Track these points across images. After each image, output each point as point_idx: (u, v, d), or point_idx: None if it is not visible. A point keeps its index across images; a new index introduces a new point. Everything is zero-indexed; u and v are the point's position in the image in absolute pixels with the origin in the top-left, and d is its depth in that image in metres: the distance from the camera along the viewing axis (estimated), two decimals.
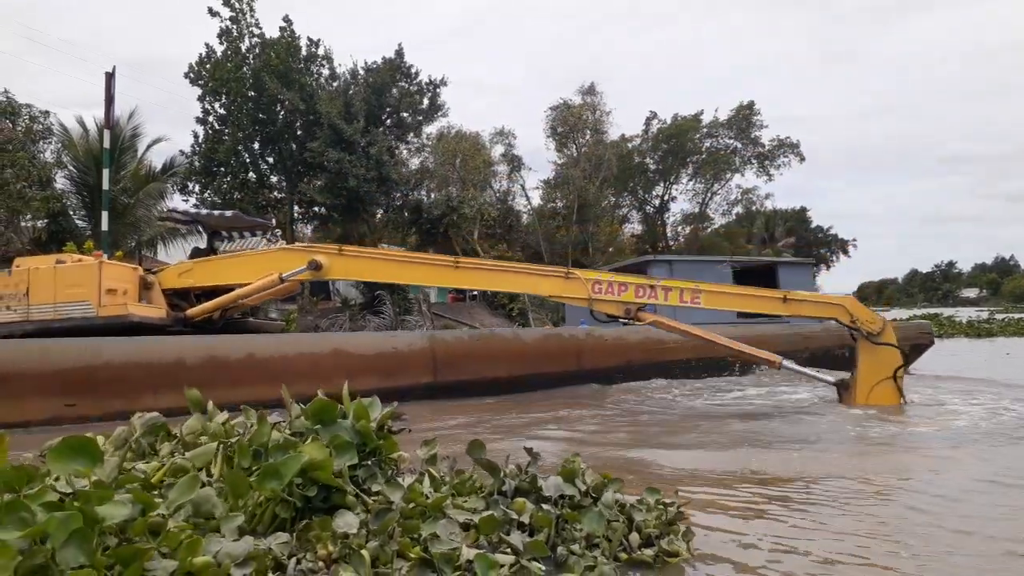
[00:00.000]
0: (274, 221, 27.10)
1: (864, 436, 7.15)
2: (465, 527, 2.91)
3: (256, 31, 25.92)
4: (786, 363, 9.85)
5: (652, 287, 9.97)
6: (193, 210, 14.66)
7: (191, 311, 10.61)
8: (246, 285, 10.36)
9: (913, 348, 15.39)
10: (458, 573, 2.30)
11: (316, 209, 28.72)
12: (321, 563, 2.06)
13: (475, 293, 36.37)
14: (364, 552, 2.09)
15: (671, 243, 45.40)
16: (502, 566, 2.39)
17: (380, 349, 10.34)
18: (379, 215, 29.75)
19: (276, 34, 25.86)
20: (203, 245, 13.32)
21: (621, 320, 10.19)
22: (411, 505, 2.94)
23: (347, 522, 2.31)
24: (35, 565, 1.61)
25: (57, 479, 2.20)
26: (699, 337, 10.19)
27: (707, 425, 7.88)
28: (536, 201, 37.34)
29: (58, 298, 9.87)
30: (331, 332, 11.63)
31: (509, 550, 2.60)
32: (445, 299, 35.50)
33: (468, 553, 2.33)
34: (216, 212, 13.82)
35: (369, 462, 3.39)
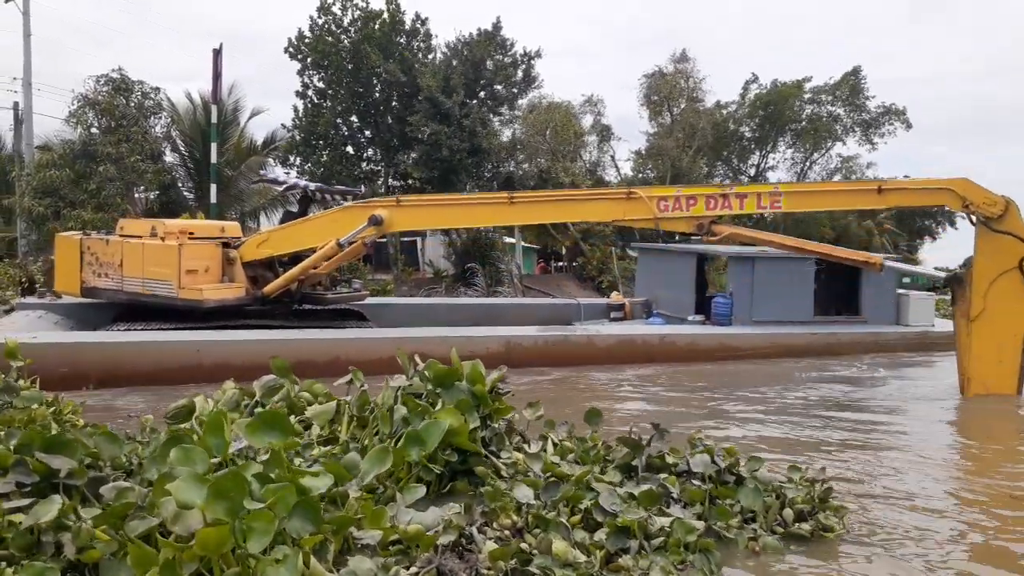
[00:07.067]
0: (362, 188, 27.42)
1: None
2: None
3: (360, 3, 26.15)
4: (888, 263, 10.03)
5: (724, 196, 9.46)
6: (283, 175, 14.78)
7: (266, 288, 10.54)
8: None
9: None
10: (659, 539, 2.29)
11: (410, 182, 29.06)
12: (507, 532, 2.02)
13: (563, 264, 36.09)
14: (563, 520, 2.06)
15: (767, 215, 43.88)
16: (696, 531, 2.39)
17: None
18: (468, 187, 29.83)
19: (379, 6, 25.98)
20: (294, 209, 13.29)
21: (693, 237, 9.83)
22: (549, 475, 2.93)
23: (524, 494, 2.28)
24: (278, 531, 1.66)
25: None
26: (783, 245, 10.15)
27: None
28: (627, 171, 36.69)
29: (146, 274, 10.10)
30: (415, 327, 11.67)
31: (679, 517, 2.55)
32: (532, 269, 35.53)
33: (662, 521, 2.31)
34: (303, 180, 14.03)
35: (495, 424, 3.45)
